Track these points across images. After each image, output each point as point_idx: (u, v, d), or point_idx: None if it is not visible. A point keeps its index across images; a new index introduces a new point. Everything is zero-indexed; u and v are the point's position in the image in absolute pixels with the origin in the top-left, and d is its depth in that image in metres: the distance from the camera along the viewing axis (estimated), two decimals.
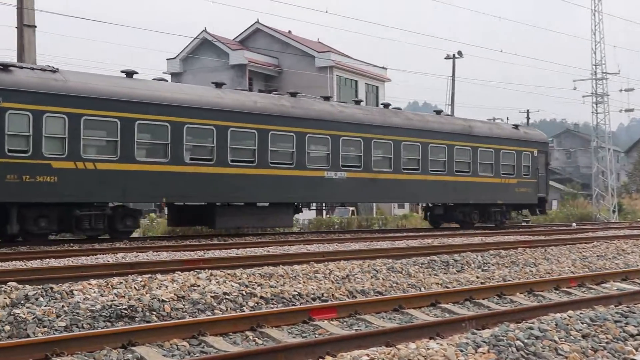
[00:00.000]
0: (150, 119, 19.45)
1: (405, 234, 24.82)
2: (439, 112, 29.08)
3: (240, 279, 10.70)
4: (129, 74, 19.97)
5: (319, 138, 23.27)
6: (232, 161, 21.09)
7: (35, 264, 13.44)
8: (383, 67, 54.97)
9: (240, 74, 48.24)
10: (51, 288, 9.05)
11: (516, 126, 32.04)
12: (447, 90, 51.63)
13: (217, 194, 21.00)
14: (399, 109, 27.89)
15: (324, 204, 25.71)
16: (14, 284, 9.25)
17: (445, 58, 51.75)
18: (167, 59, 51.34)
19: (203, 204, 21.69)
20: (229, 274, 10.94)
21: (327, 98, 25.49)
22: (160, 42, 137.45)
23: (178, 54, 50.77)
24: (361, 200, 29.58)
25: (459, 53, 51.36)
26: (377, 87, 54.25)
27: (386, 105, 27.01)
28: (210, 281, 10.31)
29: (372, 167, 24.58)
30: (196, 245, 18.49)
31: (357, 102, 26.38)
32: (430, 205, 29.18)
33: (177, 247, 17.79)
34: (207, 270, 11.27)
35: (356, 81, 52.02)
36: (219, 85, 22.06)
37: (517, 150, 30.27)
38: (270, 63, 50.29)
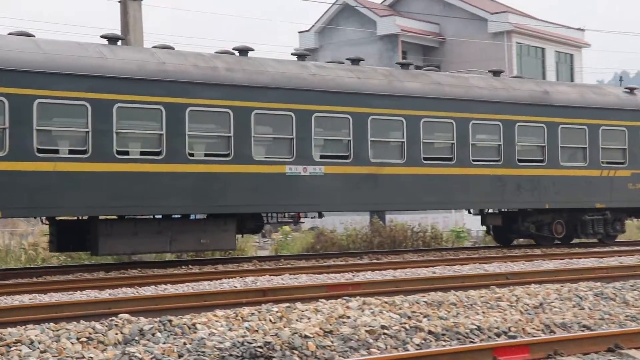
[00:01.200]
0: None
1: (615, 248, 24.00)
2: (497, 73, 25.25)
3: (400, 308, 10.74)
4: None
5: (275, 116, 19.93)
6: (121, 153, 17.83)
7: (148, 290, 14.12)
8: (579, 29, 53.68)
9: (390, 46, 48.52)
10: (170, 321, 9.44)
11: (630, 90, 27.23)
12: None
13: (97, 204, 17.62)
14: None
15: (299, 215, 22.02)
16: (126, 315, 9.74)
17: None
18: (300, 32, 52.50)
19: (77, 218, 18.84)
20: (386, 302, 11.01)
21: (496, 73, 23.94)
22: (291, 12, 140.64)
23: (312, 26, 51.76)
24: (352, 208, 23.80)
25: None
26: (571, 56, 52.98)
27: (405, 66, 23.38)
28: (363, 311, 10.41)
29: (369, 157, 21.02)
30: (342, 265, 18.74)
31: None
32: (483, 212, 25.45)
33: (319, 267, 18.09)
34: (358, 297, 11.39)
35: (543, 49, 51.04)
36: (112, 39, 18.75)
37: (630, 126, 25.85)
38: (429, 31, 50.22)
